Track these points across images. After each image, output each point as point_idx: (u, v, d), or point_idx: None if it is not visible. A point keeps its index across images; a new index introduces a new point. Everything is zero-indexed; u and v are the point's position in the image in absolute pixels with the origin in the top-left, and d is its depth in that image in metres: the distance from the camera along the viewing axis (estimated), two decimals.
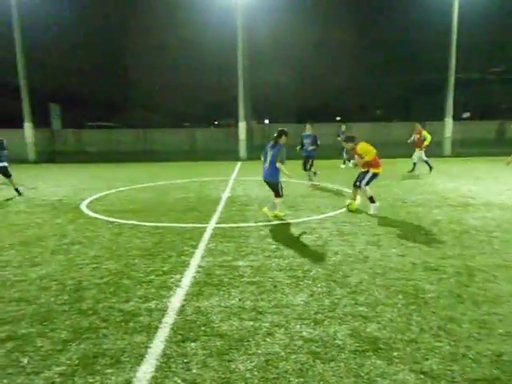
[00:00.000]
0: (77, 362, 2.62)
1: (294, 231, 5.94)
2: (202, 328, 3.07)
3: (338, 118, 36.77)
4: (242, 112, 22.12)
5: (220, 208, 7.81)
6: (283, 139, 6.58)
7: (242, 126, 21.81)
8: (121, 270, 4.37)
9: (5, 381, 2.41)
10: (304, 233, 5.84)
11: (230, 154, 21.59)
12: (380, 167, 7.26)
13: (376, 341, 2.85)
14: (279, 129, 6.77)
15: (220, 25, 26.46)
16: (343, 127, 17.41)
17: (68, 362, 2.62)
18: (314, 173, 10.96)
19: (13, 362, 2.62)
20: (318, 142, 10.80)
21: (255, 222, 6.54)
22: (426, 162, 13.60)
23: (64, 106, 26.52)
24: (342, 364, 2.57)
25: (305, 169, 10.76)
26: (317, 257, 4.76)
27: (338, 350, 2.74)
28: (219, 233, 5.92)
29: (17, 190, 9.55)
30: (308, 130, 10.84)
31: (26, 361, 2.62)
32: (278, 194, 6.72)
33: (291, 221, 6.59)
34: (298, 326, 3.07)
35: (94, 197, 9.26)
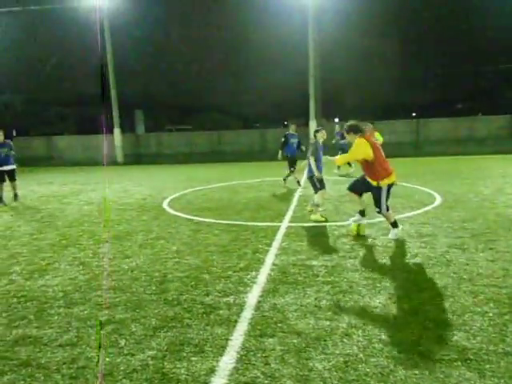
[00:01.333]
0: (165, 347, 2.85)
1: (369, 232, 5.76)
2: (279, 324, 3.13)
3: (414, 114, 34.65)
4: (312, 111, 21.95)
5: (292, 207, 7.86)
6: (319, 136, 6.99)
7: (313, 124, 21.63)
8: (200, 264, 4.62)
9: (107, 359, 2.70)
10: (380, 233, 5.64)
11: (301, 154, 21.53)
12: (391, 174, 5.21)
13: (464, 350, 2.67)
14: (316, 128, 7.59)
15: (290, 23, 26.50)
16: (337, 127, 13.79)
17: (158, 347, 2.86)
18: (293, 174, 10.44)
19: (112, 343, 2.92)
20: (302, 147, 10.57)
21: (328, 222, 6.47)
22: None
23: (147, 112, 28.67)
24: (426, 372, 2.46)
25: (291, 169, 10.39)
26: (394, 259, 4.58)
27: (422, 356, 2.62)
28: (292, 232, 5.97)
29: (16, 194, 9.62)
30: (292, 130, 10.88)
31: (123, 343, 2.91)
32: (315, 190, 6.78)
33: (365, 221, 6.40)
34: (377, 329, 3.00)
35: (174, 196, 9.87)
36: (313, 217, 6.67)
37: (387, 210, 5.26)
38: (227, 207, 8.12)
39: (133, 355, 2.75)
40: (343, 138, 11.85)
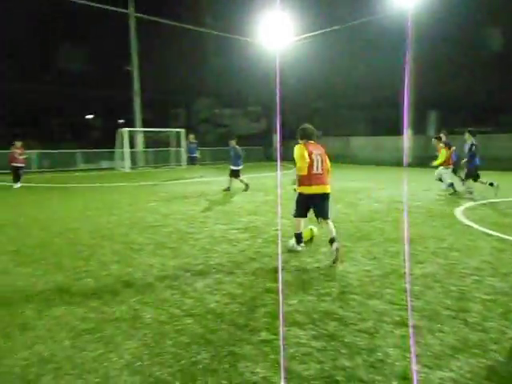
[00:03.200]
0: (468, 375, 2.53)
1: None
2: None
3: None
4: None
5: None
6: None
7: None
8: (508, 291, 3.87)
9: (404, 363, 2.68)
10: None
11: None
12: (312, 186, 4.93)
13: None
14: None
15: None
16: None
17: (459, 371, 2.57)
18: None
19: (407, 348, 2.86)
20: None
21: None
22: (440, 180, 10.59)
23: (442, 112, 26.91)
24: None
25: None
26: None
27: None
28: None
29: (247, 185, 11.52)
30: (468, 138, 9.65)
31: (419, 352, 2.79)
32: None
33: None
34: None
35: (470, 205, 8.80)
36: None
37: (296, 216, 5.14)
38: None
39: (430, 368, 2.61)
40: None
